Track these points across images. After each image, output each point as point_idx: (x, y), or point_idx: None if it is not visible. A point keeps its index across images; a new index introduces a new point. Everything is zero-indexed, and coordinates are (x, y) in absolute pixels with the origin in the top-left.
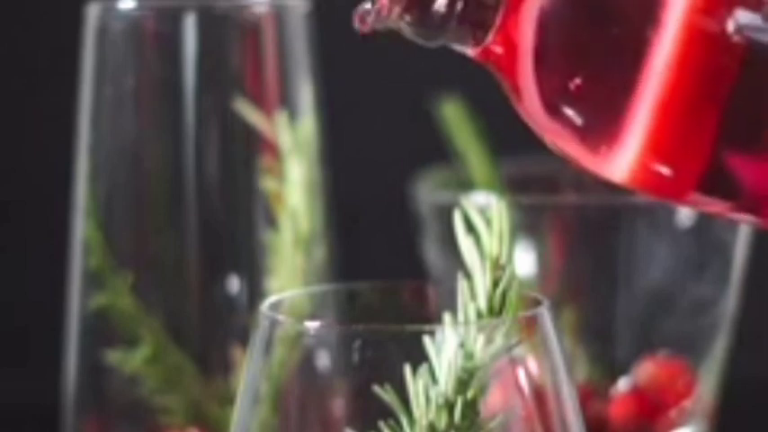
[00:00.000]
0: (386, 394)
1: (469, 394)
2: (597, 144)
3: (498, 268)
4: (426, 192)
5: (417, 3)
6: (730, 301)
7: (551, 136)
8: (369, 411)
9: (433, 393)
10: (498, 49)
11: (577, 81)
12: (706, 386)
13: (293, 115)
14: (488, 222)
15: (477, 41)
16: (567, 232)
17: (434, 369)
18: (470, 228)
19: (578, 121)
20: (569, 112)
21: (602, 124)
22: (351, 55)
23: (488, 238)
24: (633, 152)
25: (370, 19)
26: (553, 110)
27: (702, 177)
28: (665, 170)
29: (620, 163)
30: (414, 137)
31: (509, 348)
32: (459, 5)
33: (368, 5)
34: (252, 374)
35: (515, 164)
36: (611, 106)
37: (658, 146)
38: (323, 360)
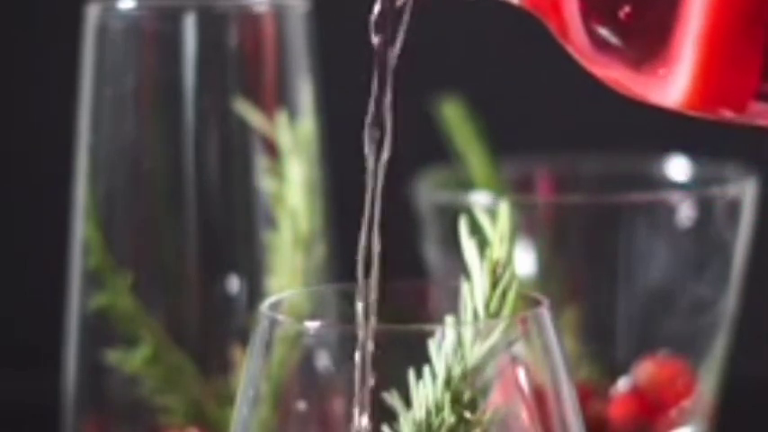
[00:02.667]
0: (385, 394)
1: (469, 394)
2: (648, 71)
3: (498, 269)
4: (426, 192)
5: None
6: (730, 301)
7: (604, 70)
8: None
9: (432, 393)
10: None
11: (625, 9)
12: (706, 386)
13: (293, 115)
14: (492, 223)
15: None
16: (567, 232)
17: (434, 369)
18: (473, 229)
19: (628, 51)
20: (618, 42)
21: (652, 50)
22: (351, 55)
23: (491, 240)
24: (686, 73)
25: None
26: (602, 43)
27: (759, 85)
28: (720, 85)
29: (674, 86)
30: (414, 137)
31: (507, 348)
32: None
33: None
34: (252, 374)
35: (516, 164)
36: (660, 31)
37: (711, 61)
38: (323, 360)
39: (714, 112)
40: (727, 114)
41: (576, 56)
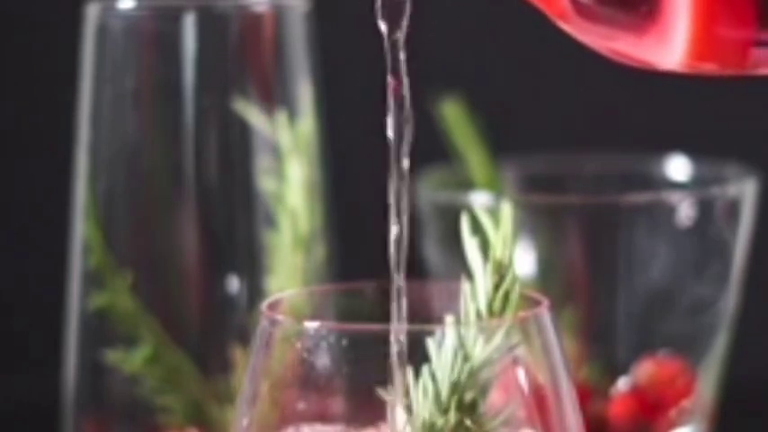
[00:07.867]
0: (386, 394)
1: (469, 394)
2: (645, 35)
3: (501, 270)
4: (426, 192)
5: None
6: (730, 301)
7: (601, 41)
8: (368, 411)
9: (432, 394)
10: None
11: None
12: (706, 385)
13: (293, 115)
14: (495, 224)
15: None
16: (567, 232)
17: (434, 369)
18: (474, 229)
19: (621, 17)
20: (607, 9)
21: (645, 14)
22: (351, 55)
23: (494, 240)
24: (684, 31)
25: None
26: (590, 13)
27: (757, 33)
28: (718, 38)
29: (673, 46)
30: (414, 137)
31: (509, 349)
32: None
33: None
34: (252, 374)
35: (516, 164)
36: None
37: (707, 14)
38: (323, 360)
39: (715, 66)
40: (729, 67)
41: (578, 36)
